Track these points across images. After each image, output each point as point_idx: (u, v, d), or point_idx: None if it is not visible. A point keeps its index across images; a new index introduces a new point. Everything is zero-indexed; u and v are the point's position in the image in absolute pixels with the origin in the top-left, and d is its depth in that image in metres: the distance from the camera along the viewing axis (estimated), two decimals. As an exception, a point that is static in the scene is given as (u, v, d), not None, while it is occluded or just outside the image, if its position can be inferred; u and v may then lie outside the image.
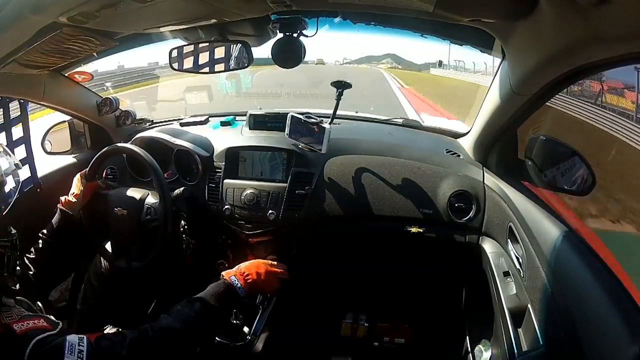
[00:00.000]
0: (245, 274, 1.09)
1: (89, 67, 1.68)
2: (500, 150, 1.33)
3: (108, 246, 1.33)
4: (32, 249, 1.17)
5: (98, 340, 0.79)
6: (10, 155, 0.92)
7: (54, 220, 1.22)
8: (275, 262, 1.21)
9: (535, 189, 1.22)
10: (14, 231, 0.87)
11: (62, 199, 1.25)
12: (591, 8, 0.58)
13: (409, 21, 1.17)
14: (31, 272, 1.13)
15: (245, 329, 1.39)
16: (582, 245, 0.93)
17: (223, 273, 1.09)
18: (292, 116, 1.43)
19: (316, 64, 8.11)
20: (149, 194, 1.32)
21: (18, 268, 1.01)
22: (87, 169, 1.28)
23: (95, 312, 1.34)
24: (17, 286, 0.98)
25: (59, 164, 1.63)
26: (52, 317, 0.83)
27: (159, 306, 1.42)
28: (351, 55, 10.64)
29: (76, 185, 1.27)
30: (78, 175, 1.29)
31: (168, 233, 1.23)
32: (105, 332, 1.01)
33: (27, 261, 1.14)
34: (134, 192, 1.31)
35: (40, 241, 1.18)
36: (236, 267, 1.15)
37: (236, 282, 1.06)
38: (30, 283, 1.09)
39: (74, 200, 1.24)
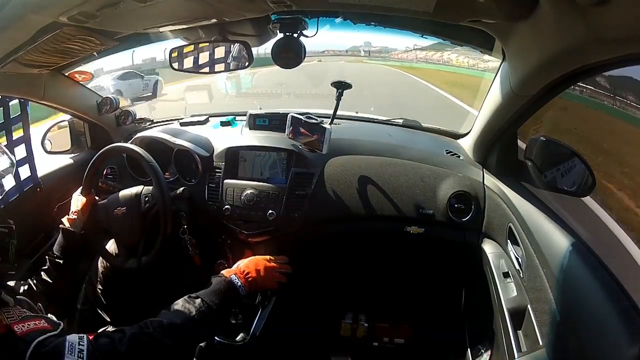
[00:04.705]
0: (245, 272, 1.09)
1: (90, 67, 1.68)
2: (500, 151, 1.33)
3: (115, 252, 1.32)
4: (41, 271, 1.16)
5: (97, 338, 0.79)
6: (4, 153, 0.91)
7: (59, 241, 1.21)
8: (275, 257, 1.21)
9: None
10: (11, 222, 0.86)
11: (64, 219, 1.24)
12: (591, 8, 0.58)
13: (409, 21, 1.18)
14: (40, 290, 1.12)
15: (245, 330, 1.39)
16: (582, 246, 0.93)
17: (223, 272, 1.09)
18: (292, 116, 1.42)
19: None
20: (143, 187, 1.31)
21: (19, 283, 1.02)
22: (82, 185, 1.27)
23: (95, 312, 1.34)
24: (21, 289, 0.99)
25: (59, 163, 1.63)
26: (53, 317, 0.84)
27: (160, 306, 1.41)
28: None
29: (75, 203, 1.26)
30: (75, 193, 1.29)
31: (169, 231, 1.23)
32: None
33: (37, 282, 1.14)
34: (130, 190, 1.31)
35: (48, 263, 1.17)
36: (235, 265, 1.15)
37: (237, 280, 1.05)
38: (41, 302, 1.09)
39: (75, 217, 1.23)
